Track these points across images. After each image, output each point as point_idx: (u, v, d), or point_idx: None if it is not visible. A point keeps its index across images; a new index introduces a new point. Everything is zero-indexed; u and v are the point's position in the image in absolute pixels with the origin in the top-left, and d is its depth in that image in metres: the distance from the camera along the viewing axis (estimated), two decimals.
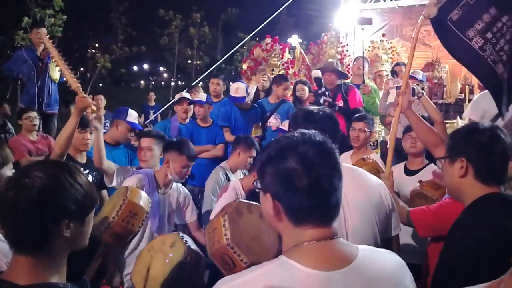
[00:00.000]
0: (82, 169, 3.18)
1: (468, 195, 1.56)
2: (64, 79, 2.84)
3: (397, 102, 2.69)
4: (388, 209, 1.73)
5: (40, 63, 5.46)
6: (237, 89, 4.76)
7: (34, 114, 4.60)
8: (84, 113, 2.72)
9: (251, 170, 3.95)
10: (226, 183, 3.66)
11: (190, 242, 2.08)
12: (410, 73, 4.87)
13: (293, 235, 1.04)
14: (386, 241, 1.73)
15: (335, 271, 0.98)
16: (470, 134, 1.59)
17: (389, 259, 1.09)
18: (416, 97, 4.06)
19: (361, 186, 1.69)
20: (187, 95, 4.92)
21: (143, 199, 2.41)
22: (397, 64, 5.53)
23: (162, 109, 11.04)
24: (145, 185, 2.87)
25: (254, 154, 3.73)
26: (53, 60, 5.26)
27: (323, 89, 4.79)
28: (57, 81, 5.54)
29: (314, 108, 1.83)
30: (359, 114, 4.14)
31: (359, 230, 1.60)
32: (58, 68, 5.40)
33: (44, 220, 1.11)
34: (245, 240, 1.59)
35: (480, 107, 4.08)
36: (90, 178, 3.19)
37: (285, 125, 4.60)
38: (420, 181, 2.75)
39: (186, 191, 3.21)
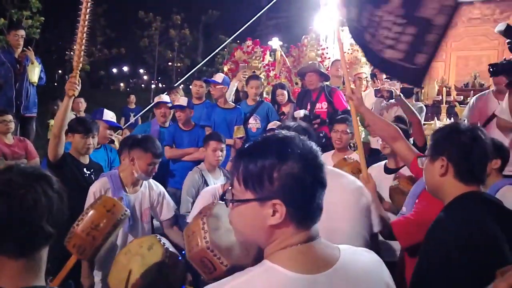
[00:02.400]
0: (85, 169, 3.18)
1: (448, 194, 1.58)
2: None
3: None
4: (369, 202, 1.81)
5: (18, 65, 5.37)
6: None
7: (9, 117, 4.47)
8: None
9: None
10: (201, 184, 3.69)
11: (168, 245, 2.06)
12: None
13: (284, 239, 1.02)
14: (373, 236, 1.81)
15: (320, 274, 0.98)
16: (451, 134, 1.62)
17: (368, 258, 1.11)
18: (394, 99, 4.18)
19: (347, 188, 1.75)
20: (166, 98, 4.89)
21: (114, 209, 2.24)
22: None
23: (143, 111, 10.93)
24: (110, 187, 2.80)
25: (219, 145, 3.73)
26: (32, 62, 5.25)
27: (307, 117, 4.77)
28: (35, 84, 5.45)
29: (290, 123, 1.95)
30: (340, 116, 4.19)
31: (351, 230, 1.65)
32: (36, 70, 5.37)
33: (31, 226, 1.12)
34: (225, 242, 1.57)
35: (475, 108, 4.21)
36: (93, 178, 3.19)
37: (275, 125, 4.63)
38: (396, 177, 2.80)
39: (160, 187, 3.11)
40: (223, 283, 1.00)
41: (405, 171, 3.12)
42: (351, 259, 1.06)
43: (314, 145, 1.07)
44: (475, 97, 4.46)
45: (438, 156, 1.60)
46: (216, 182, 3.69)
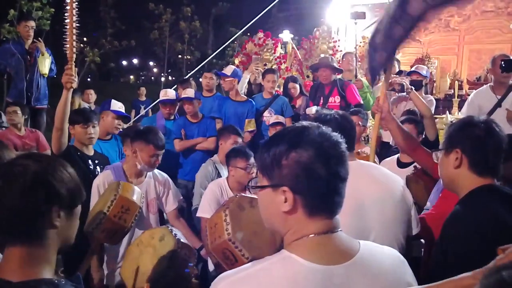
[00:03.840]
0: (90, 161, 3.18)
1: (463, 186, 1.60)
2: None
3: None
4: (409, 204, 1.75)
5: (28, 56, 5.37)
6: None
7: (18, 109, 4.51)
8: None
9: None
10: (215, 176, 3.69)
11: (180, 235, 2.07)
12: (414, 68, 4.90)
13: (301, 228, 1.02)
14: (406, 240, 1.73)
15: (337, 266, 0.98)
16: (465, 127, 1.64)
17: (390, 255, 1.09)
18: (405, 93, 4.11)
19: (380, 182, 1.70)
20: (171, 94, 4.87)
21: (136, 194, 2.39)
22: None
23: (153, 104, 10.97)
24: (113, 180, 2.79)
25: (238, 140, 3.73)
26: (42, 54, 5.26)
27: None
28: (46, 75, 5.45)
29: (326, 112, 1.85)
30: (353, 108, 4.14)
31: (382, 233, 1.60)
32: (47, 62, 5.37)
33: (36, 205, 1.10)
34: (247, 235, 1.60)
35: (475, 104, 4.15)
36: (98, 169, 3.19)
37: (279, 119, 4.61)
38: (415, 167, 2.85)
39: (165, 177, 3.10)
40: (240, 270, 1.01)
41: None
42: (371, 254, 1.04)
43: (335, 135, 1.05)
44: (473, 93, 4.40)
45: (453, 149, 1.62)
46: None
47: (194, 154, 4.45)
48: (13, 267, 1.10)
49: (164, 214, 3.16)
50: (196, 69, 10.12)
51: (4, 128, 4.74)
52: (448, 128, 1.70)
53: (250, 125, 4.77)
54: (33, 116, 5.04)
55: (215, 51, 10.19)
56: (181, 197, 3.21)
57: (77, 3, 2.72)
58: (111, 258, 2.78)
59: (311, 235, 1.00)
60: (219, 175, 3.70)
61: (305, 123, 1.09)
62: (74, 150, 3.18)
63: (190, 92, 4.61)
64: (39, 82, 5.45)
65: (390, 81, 4.27)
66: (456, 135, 1.63)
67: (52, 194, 1.13)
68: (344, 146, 1.05)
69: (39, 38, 5.44)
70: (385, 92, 2.55)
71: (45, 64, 5.37)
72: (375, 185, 1.64)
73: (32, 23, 5.51)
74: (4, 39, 8.31)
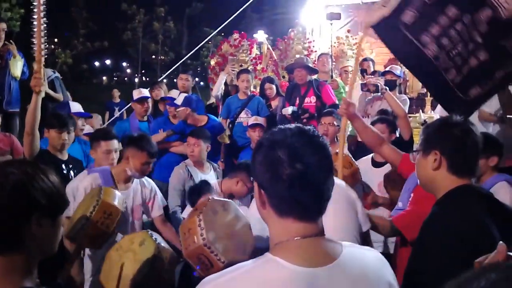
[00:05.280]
0: (63, 165, 3.13)
1: (441, 187, 1.59)
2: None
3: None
4: (358, 205, 1.88)
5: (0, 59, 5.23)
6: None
7: None
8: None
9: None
10: (187, 178, 3.70)
11: (160, 240, 2.05)
12: (388, 68, 5.02)
13: (278, 227, 1.04)
14: (363, 235, 1.85)
15: (320, 268, 0.99)
16: (443, 127, 1.62)
17: (371, 256, 1.11)
18: (380, 93, 4.22)
19: (336, 188, 1.75)
20: (146, 93, 4.87)
21: (117, 198, 2.37)
22: (365, 60, 5.65)
23: (128, 106, 10.83)
24: (101, 184, 2.77)
25: (192, 140, 3.76)
26: (14, 56, 5.12)
27: (295, 113, 4.77)
28: (18, 78, 5.31)
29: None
30: (327, 109, 4.21)
31: (341, 226, 1.66)
32: (19, 65, 5.23)
33: (15, 215, 1.09)
34: (221, 238, 1.60)
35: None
36: (72, 174, 3.16)
37: (257, 119, 4.65)
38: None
39: (152, 184, 3.11)
40: (223, 274, 1.01)
41: None
42: (354, 255, 1.06)
43: (320, 138, 1.06)
44: None
45: (431, 150, 1.60)
46: (205, 176, 3.69)
47: (169, 155, 4.45)
48: None
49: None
50: (171, 70, 10.06)
51: None
52: (425, 129, 1.69)
53: (224, 139, 4.79)
54: (5, 120, 4.90)
55: (189, 52, 10.12)
56: (165, 203, 3.23)
57: (45, 5, 2.68)
58: (90, 262, 2.76)
59: (295, 238, 1.01)
60: (192, 178, 3.72)
61: (295, 125, 1.10)
62: (48, 155, 3.13)
63: (174, 94, 4.62)
64: (11, 85, 5.30)
65: (365, 81, 4.40)
66: (434, 136, 1.62)
67: (32, 204, 1.11)
68: (328, 150, 1.05)
69: (11, 41, 5.30)
70: (350, 92, 2.67)
71: (17, 66, 5.22)
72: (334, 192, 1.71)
73: (3, 25, 5.34)
74: None
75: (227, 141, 4.82)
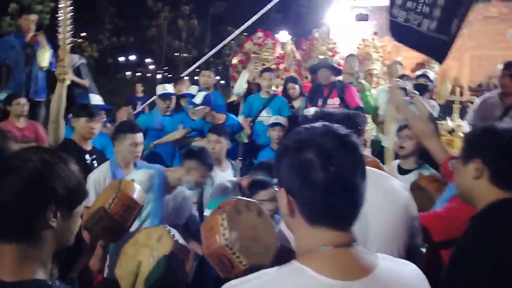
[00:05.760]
0: (87, 155, 3.15)
1: (481, 198, 1.49)
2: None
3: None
4: (414, 216, 1.64)
5: (28, 49, 5.33)
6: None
7: (24, 100, 4.52)
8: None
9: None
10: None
11: (178, 236, 2.01)
12: (422, 72, 4.90)
13: (308, 236, 0.96)
14: (410, 251, 1.63)
15: (353, 281, 0.91)
16: (486, 135, 1.52)
17: (409, 271, 1.02)
18: (408, 97, 4.12)
19: (386, 192, 1.60)
20: (170, 89, 4.87)
21: (137, 192, 2.34)
22: (393, 63, 5.51)
23: (150, 100, 10.92)
24: (154, 184, 2.76)
25: (213, 137, 3.72)
26: (42, 47, 5.21)
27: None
28: (45, 69, 5.40)
29: (334, 110, 1.77)
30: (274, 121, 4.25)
31: (384, 239, 1.52)
32: (47, 55, 5.32)
33: (31, 202, 1.05)
34: (244, 240, 1.52)
35: (480, 111, 4.12)
36: (95, 164, 3.17)
37: (278, 119, 4.60)
38: (420, 174, 2.80)
39: (187, 193, 3.08)
40: (245, 281, 0.95)
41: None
42: (391, 269, 0.97)
43: (352, 138, 0.98)
44: (479, 99, 4.33)
45: (472, 159, 1.50)
46: (223, 175, 3.67)
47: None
48: (6, 266, 1.05)
49: None
50: (193, 67, 10.07)
51: None
52: (467, 136, 1.61)
53: (242, 139, 4.75)
54: (31, 109, 4.98)
55: (212, 49, 10.13)
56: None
57: None
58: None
59: (324, 247, 0.93)
60: (211, 178, 3.68)
61: (321, 122, 1.01)
62: (72, 144, 3.16)
63: (194, 90, 4.61)
64: (39, 75, 5.40)
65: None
66: (476, 144, 1.52)
67: (49, 193, 1.06)
68: (361, 150, 0.97)
69: (40, 31, 5.39)
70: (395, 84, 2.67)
71: (45, 57, 5.31)
72: (377, 192, 1.53)
73: (34, 17, 5.47)
74: (4, 32, 8.23)
75: (245, 140, 4.79)
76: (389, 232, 1.55)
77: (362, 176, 0.95)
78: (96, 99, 3.92)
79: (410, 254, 1.63)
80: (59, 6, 2.68)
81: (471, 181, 1.51)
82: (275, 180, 2.89)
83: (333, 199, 0.92)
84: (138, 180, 2.73)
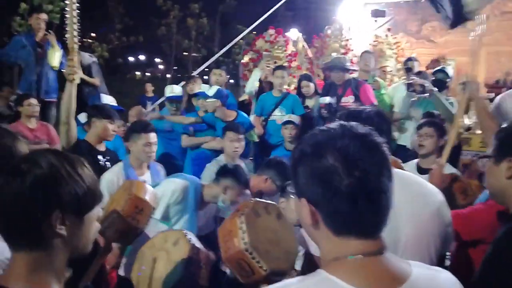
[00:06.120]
0: (101, 156, 3.13)
1: None
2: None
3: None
4: (447, 221, 1.57)
5: (39, 49, 5.32)
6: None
7: (35, 101, 4.51)
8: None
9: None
10: None
11: (195, 240, 1.97)
12: (440, 67, 4.77)
13: (334, 246, 0.89)
14: (441, 257, 1.58)
15: None
16: None
17: (445, 279, 0.95)
18: (427, 94, 4.01)
19: (418, 196, 1.53)
20: (178, 90, 4.85)
21: (149, 194, 2.30)
22: (409, 59, 5.40)
23: (160, 100, 10.92)
24: (188, 198, 2.74)
25: (237, 136, 3.69)
26: (52, 46, 5.20)
27: (332, 107, 4.62)
28: (56, 68, 5.39)
29: (360, 107, 1.67)
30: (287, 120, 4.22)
31: (415, 245, 1.45)
32: (57, 55, 5.31)
33: (34, 209, 1.00)
34: (264, 244, 1.47)
35: (502, 108, 4.01)
36: (109, 165, 3.14)
37: (291, 117, 4.52)
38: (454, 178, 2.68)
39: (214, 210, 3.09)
40: None
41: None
42: (426, 277, 0.90)
43: (373, 137, 0.90)
44: (500, 96, 4.22)
45: (505, 157, 1.45)
46: None
47: (202, 151, 4.39)
48: (17, 275, 1.02)
49: None
50: (203, 66, 10.03)
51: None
52: (499, 134, 1.54)
53: (252, 137, 4.67)
54: (42, 109, 4.97)
55: (221, 49, 10.09)
56: None
57: None
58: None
59: (352, 256, 0.87)
60: None
61: (337, 123, 0.93)
62: (86, 145, 3.11)
63: (205, 89, 4.56)
64: (49, 74, 5.39)
65: (410, 81, 4.18)
66: (509, 141, 1.47)
67: (53, 199, 1.02)
68: (385, 150, 0.89)
69: (50, 31, 5.38)
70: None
71: (55, 57, 5.31)
72: (410, 196, 1.48)
73: (44, 16, 5.47)
74: (15, 32, 8.27)
75: (256, 139, 4.71)
76: (420, 238, 1.48)
77: (389, 177, 0.88)
78: (108, 100, 3.87)
79: (440, 260, 1.56)
80: (66, 5, 2.62)
81: (504, 180, 1.46)
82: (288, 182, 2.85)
83: (360, 206, 0.85)
84: (171, 189, 2.71)
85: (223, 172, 2.86)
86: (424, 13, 7.84)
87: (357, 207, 0.85)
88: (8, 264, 1.08)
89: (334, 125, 0.92)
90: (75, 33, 2.65)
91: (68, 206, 1.03)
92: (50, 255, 1.04)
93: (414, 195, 1.52)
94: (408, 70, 4.88)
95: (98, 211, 1.14)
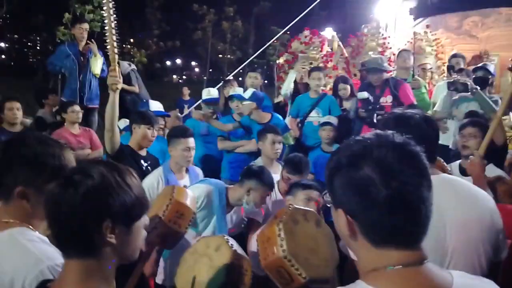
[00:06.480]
0: (142, 161, 3.22)
1: None
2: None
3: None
4: (498, 228, 1.50)
5: (82, 58, 5.52)
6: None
7: (78, 108, 4.69)
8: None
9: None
10: None
11: (236, 246, 1.98)
12: (481, 64, 4.59)
13: (373, 257, 0.88)
14: (494, 265, 1.51)
15: None
16: None
17: None
18: (469, 93, 3.85)
19: (468, 202, 1.47)
20: (214, 93, 4.88)
21: (190, 199, 2.34)
22: (454, 56, 5.21)
23: (196, 103, 11.08)
24: (213, 202, 2.77)
25: (278, 138, 3.67)
26: (94, 55, 5.39)
27: (370, 104, 4.55)
28: (98, 76, 5.59)
29: (408, 112, 1.61)
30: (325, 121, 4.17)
31: (463, 253, 1.40)
32: (99, 63, 5.50)
33: (86, 218, 1.04)
34: (303, 251, 1.47)
35: None
36: (150, 170, 3.24)
37: (330, 118, 4.47)
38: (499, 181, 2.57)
39: (240, 215, 3.09)
40: None
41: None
42: (469, 287, 0.88)
43: (411, 147, 0.88)
44: None
45: None
46: (275, 176, 3.59)
47: (238, 154, 4.41)
48: (70, 281, 1.06)
49: None
50: (239, 68, 10.10)
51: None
52: None
53: (288, 140, 4.64)
54: (85, 116, 5.17)
55: (256, 51, 10.12)
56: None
57: (113, 1, 2.70)
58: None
59: (391, 267, 0.84)
60: None
61: (374, 132, 0.92)
62: (129, 150, 3.21)
63: (239, 91, 4.58)
64: (92, 82, 5.59)
65: (451, 80, 4.04)
66: None
67: (104, 209, 1.06)
68: (423, 159, 0.87)
69: (92, 40, 5.57)
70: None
71: (97, 64, 5.49)
72: (460, 203, 1.44)
73: (86, 26, 5.67)
74: (59, 41, 8.63)
75: (291, 142, 4.67)
76: (468, 246, 1.43)
77: (428, 187, 0.86)
78: (156, 106, 3.97)
79: (493, 269, 1.49)
80: (104, 15, 2.70)
81: None
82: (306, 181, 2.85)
83: (398, 218, 0.84)
84: (196, 195, 2.73)
85: (247, 173, 2.87)
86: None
87: (396, 219, 0.84)
88: (60, 270, 1.13)
89: (370, 134, 0.91)
90: (115, 44, 2.73)
91: (118, 216, 1.08)
92: (101, 262, 1.08)
93: (462, 201, 1.47)
94: (450, 67, 4.71)
95: (145, 220, 1.17)
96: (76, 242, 1.06)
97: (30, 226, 1.36)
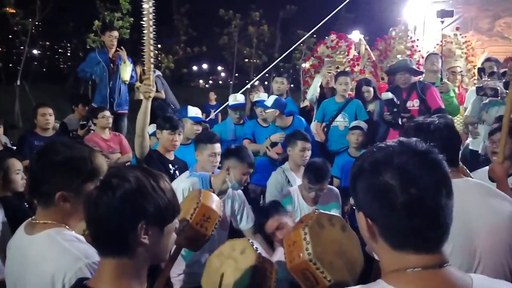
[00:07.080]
0: (170, 165, 3.31)
1: None
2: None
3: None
4: None
5: (111, 64, 5.69)
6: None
7: (108, 113, 4.84)
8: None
9: None
10: (285, 183, 3.66)
11: (261, 250, 2.02)
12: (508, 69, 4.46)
13: (393, 259, 0.90)
14: None
15: None
16: None
17: None
18: (499, 98, 3.75)
19: (495, 206, 1.48)
20: (241, 99, 4.90)
21: (216, 202, 2.38)
22: (488, 60, 5.08)
23: (221, 107, 11.20)
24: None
25: (307, 145, 3.69)
26: (124, 62, 5.54)
27: (395, 106, 4.49)
28: (127, 82, 5.74)
29: (428, 119, 1.62)
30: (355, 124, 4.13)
31: (491, 257, 1.41)
32: (128, 69, 5.65)
33: (123, 220, 1.11)
34: (328, 255, 1.50)
35: None
36: (177, 174, 3.33)
37: (360, 123, 4.43)
38: None
39: (242, 196, 3.15)
40: None
41: None
42: None
43: (432, 155, 0.90)
44: None
45: None
46: (301, 182, 3.60)
47: (262, 159, 4.44)
48: (106, 278, 1.13)
49: None
50: (263, 72, 10.14)
51: (92, 131, 5.06)
52: None
53: None
54: (115, 121, 5.32)
55: (281, 54, 10.13)
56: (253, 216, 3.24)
57: (154, 13, 2.77)
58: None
59: (411, 269, 0.87)
60: (289, 183, 3.65)
61: (397, 140, 0.94)
62: (157, 154, 3.30)
63: (263, 96, 4.61)
64: (121, 88, 5.74)
65: (480, 85, 3.94)
66: None
67: (139, 212, 1.12)
68: (445, 168, 0.89)
69: (121, 47, 5.73)
70: None
71: (127, 71, 5.65)
72: (485, 206, 1.45)
73: (116, 33, 5.84)
74: (89, 47, 8.90)
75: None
76: (496, 249, 1.44)
77: (448, 195, 0.88)
78: (193, 111, 4.07)
79: None
80: (142, 25, 2.77)
81: None
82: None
83: (417, 223, 0.86)
84: (180, 188, 2.82)
85: (225, 153, 2.97)
86: (497, 8, 7.36)
87: (414, 224, 0.86)
88: (97, 268, 1.20)
89: (393, 141, 0.94)
90: (152, 54, 2.80)
91: (152, 218, 1.14)
92: (134, 262, 1.15)
93: (488, 206, 1.47)
94: (481, 70, 4.59)
95: (176, 223, 1.23)
96: (112, 241, 1.13)
97: (67, 226, 1.44)
